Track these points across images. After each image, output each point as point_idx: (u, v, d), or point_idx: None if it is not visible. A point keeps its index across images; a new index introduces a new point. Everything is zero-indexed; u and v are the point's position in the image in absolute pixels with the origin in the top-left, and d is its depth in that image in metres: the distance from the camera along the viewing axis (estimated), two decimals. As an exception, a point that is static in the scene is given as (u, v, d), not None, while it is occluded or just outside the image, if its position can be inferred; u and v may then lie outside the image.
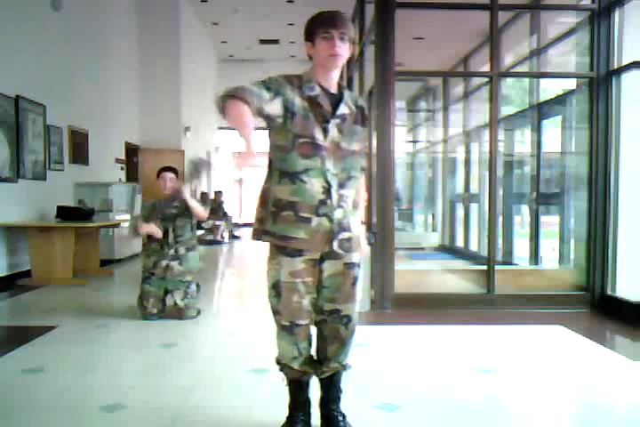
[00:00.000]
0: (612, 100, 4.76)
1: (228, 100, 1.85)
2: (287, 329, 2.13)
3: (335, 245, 2.08)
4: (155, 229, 4.28)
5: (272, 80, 2.03)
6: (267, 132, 2.13)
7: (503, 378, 3.04)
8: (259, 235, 2.12)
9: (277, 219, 2.06)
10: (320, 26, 2.04)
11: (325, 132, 2.05)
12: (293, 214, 2.04)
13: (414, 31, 7.06)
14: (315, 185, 2.04)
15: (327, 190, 2.06)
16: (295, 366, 2.18)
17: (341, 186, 2.09)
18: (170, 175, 4.39)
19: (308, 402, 2.26)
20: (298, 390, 2.24)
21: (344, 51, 2.04)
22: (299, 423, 2.20)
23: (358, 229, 2.19)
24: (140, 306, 4.30)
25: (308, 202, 2.04)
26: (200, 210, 4.35)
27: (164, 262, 4.31)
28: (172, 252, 4.35)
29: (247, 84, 1.95)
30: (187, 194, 4.28)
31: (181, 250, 4.37)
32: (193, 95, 12.40)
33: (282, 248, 2.09)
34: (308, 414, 2.25)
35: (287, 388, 2.25)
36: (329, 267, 2.14)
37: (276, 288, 2.12)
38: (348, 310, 2.18)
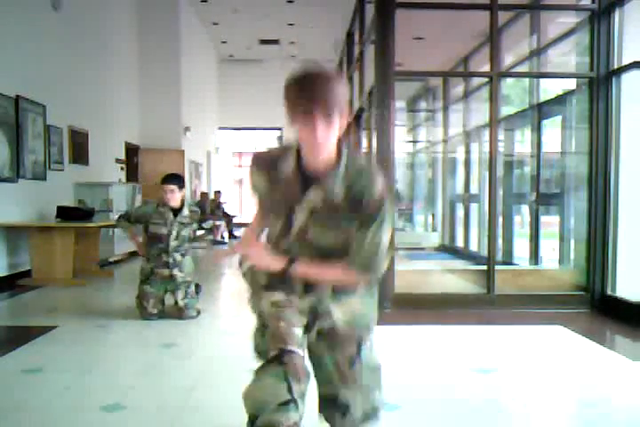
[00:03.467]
0: (612, 100, 4.76)
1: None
2: (274, 359, 1.55)
3: (313, 337, 1.70)
4: (139, 247, 4.59)
5: (251, 177, 1.76)
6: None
7: (503, 378, 3.04)
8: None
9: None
10: (297, 98, 1.54)
11: (290, 220, 1.67)
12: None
13: (414, 31, 7.06)
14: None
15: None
16: (281, 418, 1.48)
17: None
18: (172, 187, 4.34)
19: None
20: None
21: (328, 130, 1.54)
22: None
23: (355, 315, 1.72)
24: (139, 306, 4.30)
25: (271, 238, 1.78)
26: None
27: (165, 272, 4.33)
28: (170, 260, 4.35)
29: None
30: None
31: (177, 257, 4.38)
32: (193, 95, 12.41)
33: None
34: None
35: None
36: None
37: (263, 326, 1.68)
38: (346, 398, 1.70)
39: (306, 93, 1.53)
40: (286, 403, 1.48)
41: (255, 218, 1.90)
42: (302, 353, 1.62)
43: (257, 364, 1.62)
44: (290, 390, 1.49)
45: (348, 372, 1.70)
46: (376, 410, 1.74)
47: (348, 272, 1.66)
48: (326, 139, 1.56)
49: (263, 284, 1.75)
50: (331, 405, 1.73)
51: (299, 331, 1.64)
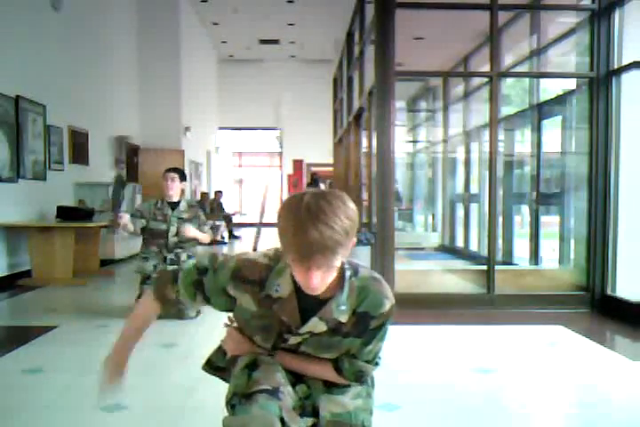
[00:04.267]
0: (612, 100, 4.76)
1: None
2: (269, 393, 1.40)
3: None
4: (125, 222, 4.21)
5: (210, 282, 1.55)
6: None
7: (503, 378, 3.04)
8: None
9: None
10: (292, 247, 1.26)
11: (282, 341, 1.51)
12: None
13: (414, 31, 7.05)
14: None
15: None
16: None
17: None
18: (172, 175, 4.41)
19: None
20: None
21: (329, 277, 1.33)
22: None
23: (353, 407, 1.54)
24: (140, 306, 4.29)
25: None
26: (204, 237, 4.35)
27: (164, 268, 4.32)
28: (171, 256, 4.34)
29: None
30: (189, 231, 4.28)
31: (183, 256, 4.36)
32: (193, 95, 12.41)
33: None
34: None
35: None
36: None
37: (254, 364, 1.50)
38: None
39: (302, 240, 1.23)
40: None
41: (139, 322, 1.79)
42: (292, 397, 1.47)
43: (231, 411, 1.44)
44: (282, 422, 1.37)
45: None
46: None
47: (336, 376, 1.54)
48: (324, 284, 1.33)
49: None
50: None
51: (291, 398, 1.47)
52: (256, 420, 1.34)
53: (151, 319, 1.69)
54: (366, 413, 1.57)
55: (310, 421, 1.50)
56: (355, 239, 1.33)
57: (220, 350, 1.71)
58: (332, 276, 1.35)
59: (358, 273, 1.47)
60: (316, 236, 1.22)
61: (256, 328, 1.52)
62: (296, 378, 1.55)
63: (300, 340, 1.49)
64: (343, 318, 1.44)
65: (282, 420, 1.37)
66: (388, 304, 1.47)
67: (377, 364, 1.58)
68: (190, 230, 4.26)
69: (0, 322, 4.53)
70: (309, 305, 1.42)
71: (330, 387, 1.56)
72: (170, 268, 4.31)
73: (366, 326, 1.47)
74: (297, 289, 1.41)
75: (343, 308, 1.43)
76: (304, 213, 1.24)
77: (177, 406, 2.58)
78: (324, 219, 1.23)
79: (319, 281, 1.30)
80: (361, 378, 1.55)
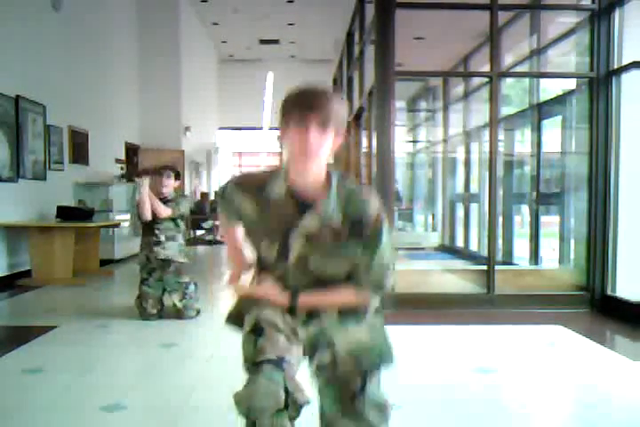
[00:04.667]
0: (612, 100, 4.76)
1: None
2: (274, 363, 1.48)
3: (313, 368, 1.60)
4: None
5: (220, 199, 1.74)
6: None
7: (503, 378, 3.04)
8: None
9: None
10: (293, 109, 1.50)
11: (286, 246, 1.59)
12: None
13: (414, 31, 7.05)
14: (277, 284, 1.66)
15: (291, 296, 1.63)
16: (279, 424, 1.43)
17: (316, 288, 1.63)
18: (168, 172, 4.44)
19: None
20: None
21: (322, 143, 1.50)
22: None
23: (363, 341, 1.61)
24: (139, 307, 4.30)
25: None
26: (160, 208, 4.31)
27: (155, 250, 4.34)
28: (154, 239, 4.38)
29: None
30: (145, 186, 4.28)
31: (162, 237, 4.38)
32: (193, 95, 12.41)
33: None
34: None
35: None
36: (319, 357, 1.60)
37: (256, 329, 1.58)
38: None
39: (302, 102, 1.49)
40: (283, 410, 1.44)
41: (232, 245, 1.82)
42: (297, 369, 1.55)
43: (246, 369, 1.55)
44: (287, 397, 1.44)
45: (349, 405, 1.57)
46: None
47: (359, 293, 1.63)
48: (319, 149, 1.50)
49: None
50: None
51: (297, 353, 1.57)
52: (261, 391, 1.44)
53: (239, 239, 1.80)
54: (383, 344, 1.67)
55: (327, 357, 1.57)
56: (339, 140, 1.54)
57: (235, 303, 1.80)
58: (321, 170, 1.55)
59: (346, 182, 1.61)
60: (313, 101, 1.49)
61: (260, 233, 1.63)
62: (311, 316, 1.62)
63: (302, 245, 1.57)
64: (336, 218, 1.55)
65: (286, 390, 1.44)
66: (375, 209, 1.57)
67: (390, 268, 1.68)
68: (146, 190, 4.27)
69: (0, 322, 4.53)
70: (303, 207, 1.56)
71: (344, 321, 1.62)
72: (155, 248, 4.33)
73: (361, 231, 1.56)
74: (292, 194, 1.57)
75: (333, 206, 1.55)
76: (301, 93, 1.52)
77: (177, 406, 2.58)
78: (318, 95, 1.51)
79: (316, 144, 1.48)
80: (381, 288, 1.65)
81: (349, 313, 1.63)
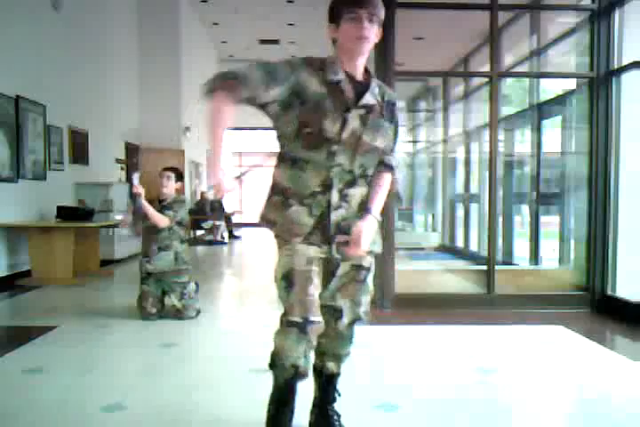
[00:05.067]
0: (612, 100, 4.76)
1: (215, 88, 1.86)
2: (298, 326, 1.87)
3: (333, 249, 1.95)
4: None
5: (284, 64, 1.87)
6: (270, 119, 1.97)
7: (503, 378, 3.04)
8: (260, 219, 2.04)
9: (269, 203, 2.00)
10: (347, 5, 1.81)
11: (344, 122, 1.86)
12: (281, 200, 1.94)
13: (414, 31, 7.06)
14: (312, 179, 1.90)
15: (327, 188, 1.90)
16: (301, 363, 1.92)
17: (350, 184, 1.94)
18: (168, 174, 4.43)
19: (293, 409, 2.04)
20: (290, 392, 2.01)
21: (372, 34, 1.84)
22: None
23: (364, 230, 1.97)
24: (140, 306, 4.30)
25: (301, 191, 1.91)
26: (157, 218, 4.26)
27: (143, 261, 4.34)
28: (144, 248, 4.38)
29: (254, 64, 1.86)
30: (143, 202, 4.23)
31: (153, 248, 4.34)
32: (193, 95, 12.38)
33: (293, 235, 1.94)
34: (291, 420, 2.05)
35: (276, 391, 2.03)
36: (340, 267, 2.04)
37: (288, 278, 1.91)
38: (342, 306, 2.07)
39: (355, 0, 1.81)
40: (300, 358, 1.92)
41: (218, 123, 1.91)
42: (317, 319, 1.91)
43: (280, 319, 1.94)
44: (306, 351, 1.92)
45: (351, 290, 2.06)
46: (360, 318, 2.11)
47: (391, 180, 2.07)
48: (369, 36, 1.83)
49: (304, 230, 1.92)
50: (330, 311, 2.05)
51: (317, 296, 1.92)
52: (287, 347, 1.91)
53: (231, 116, 1.92)
54: (377, 234, 2.07)
55: (344, 237, 1.93)
56: (377, 37, 1.88)
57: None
58: (364, 62, 1.93)
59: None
60: None
61: (323, 110, 1.85)
62: (340, 206, 1.94)
63: (358, 118, 1.88)
64: (379, 99, 1.95)
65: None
66: (397, 99, 2.05)
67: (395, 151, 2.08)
68: (144, 204, 4.22)
69: (0, 322, 4.53)
70: (357, 88, 1.91)
71: (360, 213, 1.97)
72: (162, 253, 4.30)
73: (393, 113, 2.00)
74: (349, 79, 1.90)
75: (377, 91, 1.95)
76: None
77: (177, 407, 2.58)
78: None
79: (367, 31, 1.82)
80: (399, 164, 2.09)
81: (363, 207, 1.98)
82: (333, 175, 1.90)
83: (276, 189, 1.98)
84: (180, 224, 4.40)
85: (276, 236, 2.00)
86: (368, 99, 1.90)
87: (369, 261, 2.08)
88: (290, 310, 1.89)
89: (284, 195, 1.94)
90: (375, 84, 1.95)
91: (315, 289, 1.90)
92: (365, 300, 2.11)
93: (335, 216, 1.93)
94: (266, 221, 2.01)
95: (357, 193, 1.97)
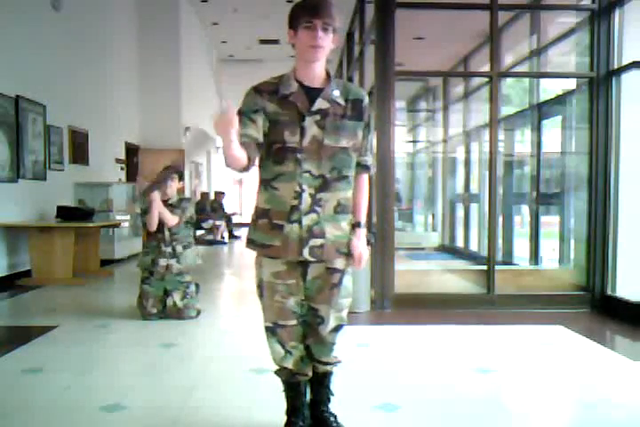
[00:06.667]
0: (612, 100, 4.76)
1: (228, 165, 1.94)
2: (270, 330, 2.13)
3: (305, 252, 2.01)
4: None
5: (247, 104, 1.99)
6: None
7: (503, 378, 3.04)
8: (246, 243, 2.15)
9: (256, 227, 2.09)
10: (303, 14, 1.91)
11: (302, 130, 1.96)
12: (268, 222, 2.04)
13: (414, 31, 7.05)
14: (285, 191, 1.99)
15: (299, 195, 1.99)
16: (288, 365, 2.14)
17: (322, 189, 2.00)
18: (173, 175, 4.42)
19: (304, 406, 2.21)
20: (294, 393, 2.20)
21: (326, 42, 1.93)
22: None
23: (341, 234, 2.06)
24: (140, 306, 4.30)
25: (280, 209, 2.01)
26: (168, 216, 4.30)
27: (162, 261, 4.31)
28: (169, 249, 4.35)
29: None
30: (156, 200, 4.25)
31: (178, 248, 4.38)
32: (193, 95, 12.40)
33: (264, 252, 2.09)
34: (306, 418, 2.21)
35: (284, 393, 2.22)
36: (312, 270, 2.09)
37: (259, 288, 2.13)
38: (323, 312, 2.12)
39: (312, 8, 1.90)
40: (285, 357, 2.14)
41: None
42: (296, 323, 2.12)
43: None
44: (285, 350, 2.13)
45: (329, 294, 2.10)
46: (343, 322, 2.17)
47: (366, 181, 2.16)
48: (323, 45, 1.91)
49: (286, 210, 1.99)
50: (313, 315, 2.14)
51: (291, 302, 2.08)
52: (272, 349, 2.16)
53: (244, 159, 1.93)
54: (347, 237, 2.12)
55: (319, 241, 2.01)
56: (333, 44, 1.96)
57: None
58: (322, 67, 2.00)
59: (337, 79, 2.09)
60: (319, 5, 1.91)
61: (282, 124, 1.96)
62: (313, 211, 2.00)
63: (315, 124, 1.96)
64: (340, 100, 2.01)
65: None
66: (366, 95, 2.09)
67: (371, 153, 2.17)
68: (158, 203, 4.24)
69: (0, 322, 4.53)
70: (312, 95, 1.98)
71: (336, 215, 2.04)
72: (170, 262, 4.32)
73: (361, 111, 2.04)
74: (302, 88, 1.98)
75: (337, 92, 2.01)
76: (308, 1, 1.95)
77: (177, 406, 2.58)
78: (322, 2, 1.94)
79: (322, 40, 1.90)
80: (370, 167, 2.16)
81: (341, 211, 2.05)
82: (302, 182, 1.98)
83: (259, 213, 2.08)
84: (189, 222, 4.47)
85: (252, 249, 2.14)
86: (321, 104, 1.98)
87: (342, 264, 2.11)
88: (264, 317, 2.14)
89: (268, 216, 2.04)
90: (334, 87, 2.01)
91: (283, 298, 2.07)
92: (346, 302, 2.16)
93: (307, 220, 2.00)
94: (250, 241, 2.12)
95: (332, 197, 2.02)
